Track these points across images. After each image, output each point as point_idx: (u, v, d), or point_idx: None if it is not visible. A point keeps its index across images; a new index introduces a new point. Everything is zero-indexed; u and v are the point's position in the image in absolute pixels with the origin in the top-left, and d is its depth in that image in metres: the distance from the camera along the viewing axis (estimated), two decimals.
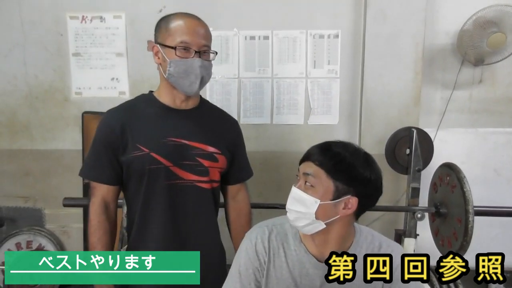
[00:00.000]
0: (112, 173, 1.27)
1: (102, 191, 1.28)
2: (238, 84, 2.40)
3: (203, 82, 1.27)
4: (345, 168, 1.01)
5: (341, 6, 2.31)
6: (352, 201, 1.02)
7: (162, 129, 1.26)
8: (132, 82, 2.40)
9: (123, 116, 1.27)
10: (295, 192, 1.04)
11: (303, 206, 1.02)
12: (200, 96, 1.40)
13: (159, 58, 1.25)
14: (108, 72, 2.40)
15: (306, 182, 1.03)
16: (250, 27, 2.34)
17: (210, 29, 1.29)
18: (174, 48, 1.20)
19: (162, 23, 1.25)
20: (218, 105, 1.46)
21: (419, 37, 2.23)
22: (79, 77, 2.41)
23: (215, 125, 1.37)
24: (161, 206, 1.27)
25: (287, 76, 2.38)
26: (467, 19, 2.17)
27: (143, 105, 1.31)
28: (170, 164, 1.25)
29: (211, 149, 1.30)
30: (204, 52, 1.24)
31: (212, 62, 1.30)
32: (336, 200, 1.01)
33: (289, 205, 1.06)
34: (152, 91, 1.36)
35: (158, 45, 1.25)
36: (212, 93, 2.40)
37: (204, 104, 1.40)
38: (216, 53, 1.31)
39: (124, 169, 1.27)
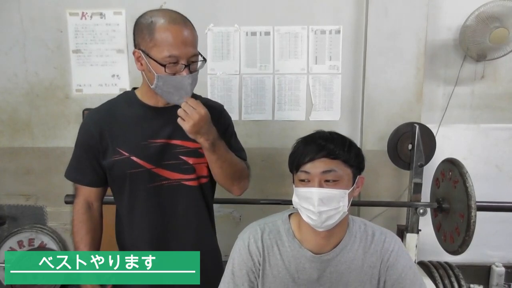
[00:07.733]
0: (94, 176, 1.27)
1: (84, 192, 1.29)
2: (239, 80, 2.39)
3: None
4: (356, 150, 1.06)
5: (343, 2, 2.30)
6: (360, 179, 1.08)
7: (142, 130, 1.22)
8: (132, 78, 2.39)
9: (102, 119, 1.23)
10: (323, 192, 1.01)
11: (335, 202, 1.01)
12: None
13: (142, 64, 1.16)
14: (109, 69, 2.40)
15: (326, 180, 1.01)
16: (251, 23, 2.33)
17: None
18: (164, 65, 1.11)
19: (144, 29, 1.14)
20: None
21: (421, 33, 2.22)
22: (80, 74, 2.40)
23: None
24: (147, 209, 1.25)
25: (288, 72, 2.38)
26: (470, 15, 2.17)
27: (123, 105, 1.26)
28: (151, 166, 1.22)
29: (194, 145, 1.23)
30: (192, 62, 1.15)
31: (210, 60, 1.19)
32: (354, 185, 1.05)
33: (320, 207, 1.00)
34: (135, 88, 1.30)
35: (140, 52, 1.14)
36: (213, 89, 2.39)
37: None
38: (205, 60, 1.21)
39: (106, 172, 1.26)
